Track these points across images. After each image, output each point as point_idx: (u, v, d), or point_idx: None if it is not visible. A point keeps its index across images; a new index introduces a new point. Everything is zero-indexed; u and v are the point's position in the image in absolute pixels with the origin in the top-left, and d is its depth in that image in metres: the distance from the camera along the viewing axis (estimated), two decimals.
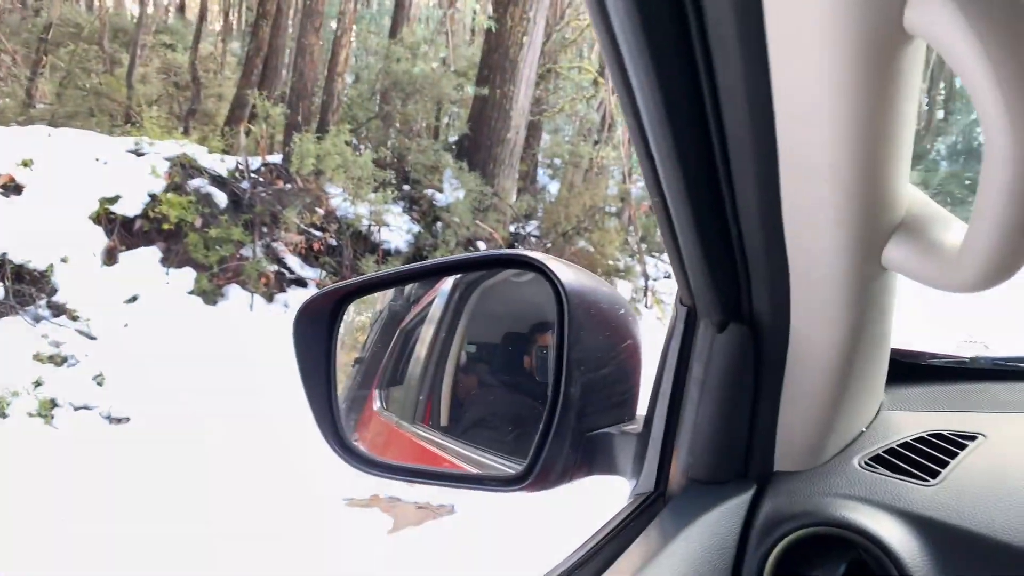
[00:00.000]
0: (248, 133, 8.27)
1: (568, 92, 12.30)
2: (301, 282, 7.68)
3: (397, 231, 8.41)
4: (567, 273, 0.83)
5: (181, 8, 17.51)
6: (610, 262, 9.97)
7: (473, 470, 1.07)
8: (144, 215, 7.10)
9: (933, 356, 1.00)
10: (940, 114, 33.59)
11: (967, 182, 24.61)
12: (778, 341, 0.67)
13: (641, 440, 0.80)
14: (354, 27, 10.88)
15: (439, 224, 8.52)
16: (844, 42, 0.44)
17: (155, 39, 12.87)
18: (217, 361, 5.93)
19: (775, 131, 0.51)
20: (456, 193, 8.71)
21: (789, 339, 0.67)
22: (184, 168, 7.43)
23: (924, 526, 0.62)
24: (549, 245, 9.41)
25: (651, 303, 9.94)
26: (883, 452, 0.72)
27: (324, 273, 7.75)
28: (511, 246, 8.96)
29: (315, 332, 0.99)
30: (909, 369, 0.97)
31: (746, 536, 0.65)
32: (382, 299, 1.47)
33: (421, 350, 1.35)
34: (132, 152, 7.52)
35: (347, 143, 8.02)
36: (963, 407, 0.86)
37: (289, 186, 7.82)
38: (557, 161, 12.43)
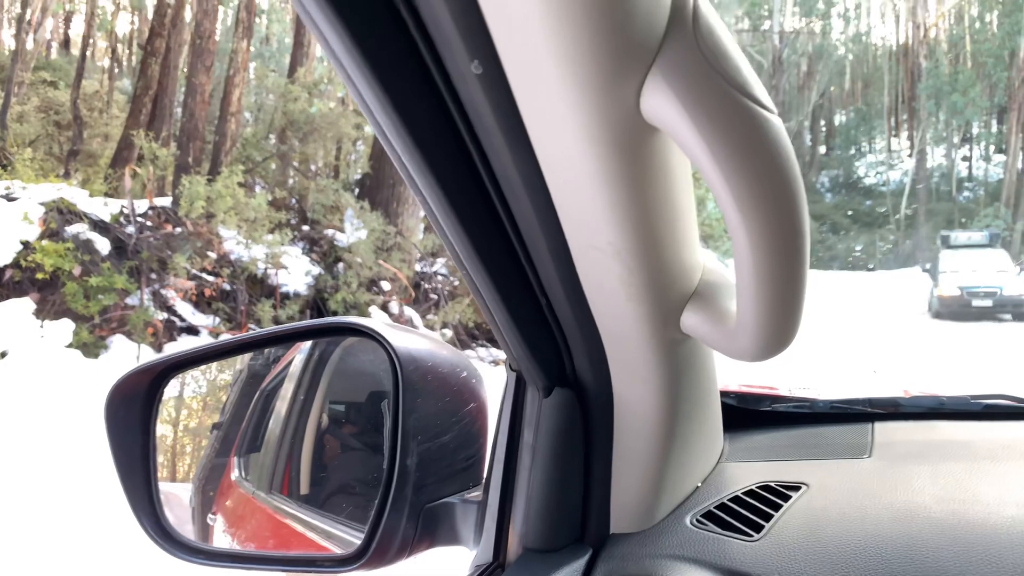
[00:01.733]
0: (135, 175, 7.91)
1: None
2: (193, 330, 7.33)
3: (296, 273, 8.19)
4: (400, 338, 0.80)
5: (65, 43, 16.70)
6: None
7: (327, 545, 1.01)
8: (15, 264, 6.62)
9: (776, 400, 1.02)
10: (822, 149, 36.06)
11: (849, 212, 26.39)
12: (604, 404, 0.67)
13: (481, 508, 0.78)
14: (250, 66, 10.65)
15: (340, 265, 8.36)
16: (587, 128, 0.45)
17: (34, 75, 12.20)
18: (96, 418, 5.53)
19: (555, 211, 0.52)
20: (358, 233, 8.58)
21: (614, 402, 0.67)
22: (61, 213, 7.00)
23: None
24: (457, 283, 9.39)
25: None
26: (714, 508, 0.72)
27: (218, 319, 7.43)
28: (416, 286, 8.87)
29: (130, 412, 0.92)
30: (751, 416, 0.99)
31: None
32: (242, 358, 1.39)
33: (280, 413, 1.29)
34: (2, 197, 7.03)
35: (240, 184, 7.78)
36: (796, 455, 0.88)
37: (179, 230, 7.50)
38: None
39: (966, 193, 28.50)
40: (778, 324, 0.53)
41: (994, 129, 31.27)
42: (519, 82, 0.44)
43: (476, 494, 0.81)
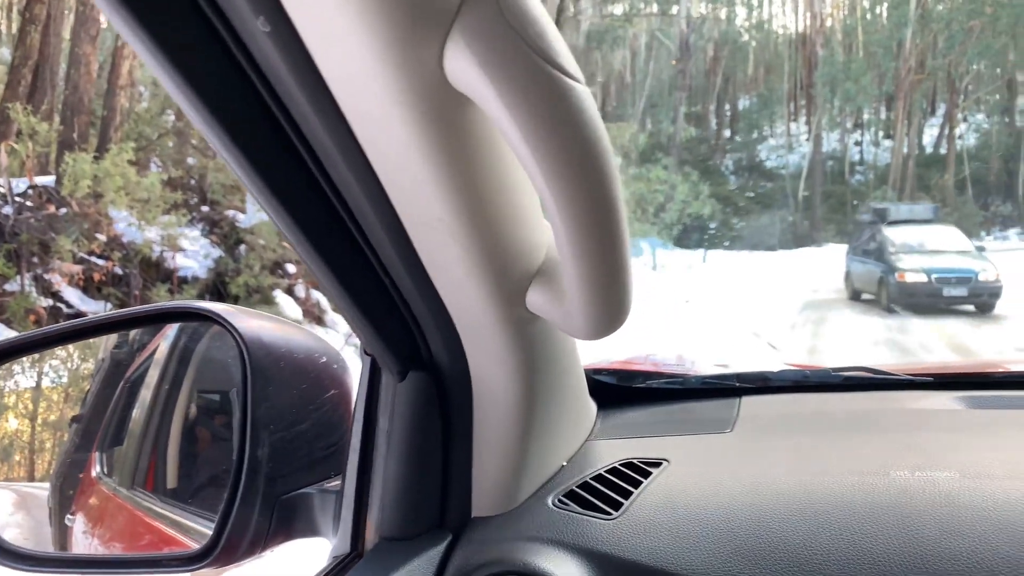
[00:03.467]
0: (12, 152, 7.34)
1: None
2: (82, 316, 6.90)
3: (194, 256, 7.84)
4: (248, 323, 0.76)
5: None
6: None
7: (188, 542, 0.96)
8: None
9: (649, 376, 1.04)
10: (727, 133, 37.34)
11: (751, 195, 27.50)
12: (461, 386, 0.66)
13: (339, 498, 0.75)
14: None
15: (242, 247, 8.05)
16: (392, 93, 0.42)
17: None
18: None
19: (381, 184, 0.50)
20: (260, 214, 8.28)
21: (472, 384, 0.66)
22: None
23: (602, 563, 0.62)
24: None
25: None
26: (576, 487, 0.72)
27: (109, 305, 7.03)
28: None
29: None
30: (626, 393, 1.00)
31: None
32: (104, 346, 1.31)
33: (145, 403, 1.21)
34: None
35: (132, 162, 7.35)
36: (663, 430, 0.89)
37: (63, 211, 7.02)
38: None
39: (858, 176, 30.19)
40: (603, 301, 0.52)
41: (883, 116, 33.19)
42: (313, 41, 0.41)
43: (336, 483, 0.78)
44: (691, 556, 0.61)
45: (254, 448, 0.73)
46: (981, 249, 13.27)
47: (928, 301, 11.37)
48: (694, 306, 11.58)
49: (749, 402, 0.96)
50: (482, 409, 0.66)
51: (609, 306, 0.53)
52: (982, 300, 11.40)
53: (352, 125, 0.46)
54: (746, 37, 37.64)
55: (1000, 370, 1.03)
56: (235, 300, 7.33)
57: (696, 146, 30.64)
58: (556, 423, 0.74)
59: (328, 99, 0.44)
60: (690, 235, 19.45)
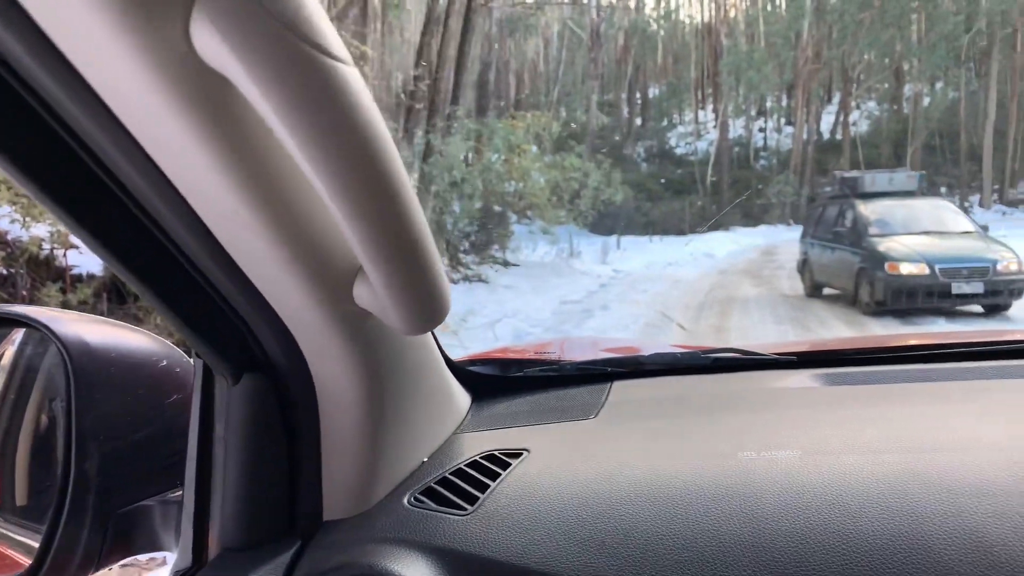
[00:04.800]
0: None
1: None
2: None
3: (90, 253, 7.40)
4: (71, 327, 0.71)
5: None
6: None
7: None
8: None
9: (525, 365, 1.04)
10: (638, 121, 38.08)
11: (662, 180, 28.20)
12: (303, 387, 0.63)
13: (180, 509, 0.71)
14: None
15: None
16: (142, 73, 0.39)
17: None
18: None
19: (173, 186, 0.47)
20: None
21: (314, 384, 0.63)
22: None
23: (454, 561, 0.61)
24: None
25: None
26: (435, 483, 0.71)
27: None
28: None
29: None
30: (500, 383, 0.99)
31: None
32: None
33: None
34: None
35: None
36: (530, 420, 0.88)
37: None
38: None
39: (762, 161, 31.43)
40: (409, 297, 0.51)
41: (784, 103, 34.62)
42: (41, 14, 0.38)
43: (179, 494, 0.74)
44: (541, 549, 0.60)
45: (80, 461, 0.69)
46: (986, 228, 9.59)
47: (931, 301, 8.06)
48: (609, 290, 11.80)
49: (620, 387, 0.97)
50: (328, 409, 0.64)
51: (417, 302, 0.51)
52: (1000, 300, 8.14)
53: (119, 117, 0.43)
54: (654, 27, 38.43)
55: (856, 346, 1.08)
56: (135, 299, 6.97)
57: (609, 134, 31.16)
58: (413, 419, 0.72)
59: (87, 90, 0.41)
60: (605, 221, 19.75)
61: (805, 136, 27.37)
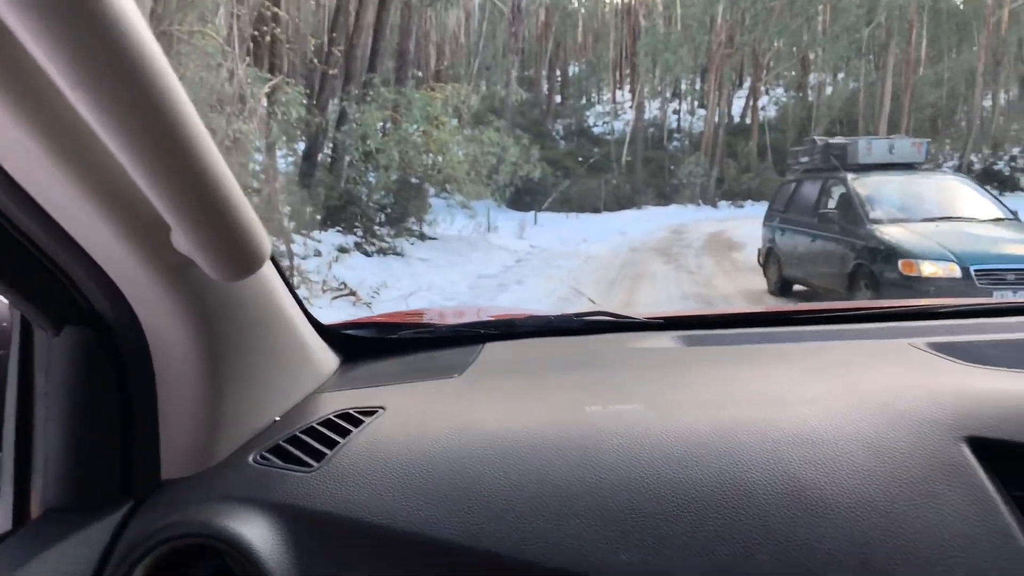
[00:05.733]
0: None
1: (192, 59, 11.26)
2: None
3: None
4: None
5: None
6: None
7: None
8: None
9: (403, 327, 1.05)
10: (558, 98, 38.21)
11: (580, 159, 28.47)
12: (135, 340, 0.60)
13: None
14: None
15: None
16: None
17: None
18: None
19: None
20: None
21: (146, 337, 0.60)
22: None
23: (295, 517, 0.60)
24: None
25: (298, 283, 9.70)
26: (283, 441, 0.70)
27: None
28: None
29: None
30: (378, 344, 1.00)
31: (107, 561, 0.57)
32: None
33: None
34: None
35: None
36: (394, 380, 0.88)
37: None
38: None
39: (675, 143, 32.21)
40: (213, 241, 0.49)
41: (698, 87, 35.51)
42: None
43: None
44: (384, 503, 0.60)
45: None
46: (1013, 219, 6.85)
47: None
48: (525, 265, 11.91)
49: (492, 348, 0.98)
50: (163, 364, 0.61)
51: (224, 248, 0.49)
52: None
53: None
54: (575, 4, 38.56)
55: (720, 313, 1.14)
56: None
57: (529, 110, 31.14)
58: (261, 376, 0.71)
59: None
60: (523, 197, 19.84)
61: (717, 119, 28.20)
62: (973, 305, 1.06)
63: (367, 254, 10.96)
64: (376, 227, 12.24)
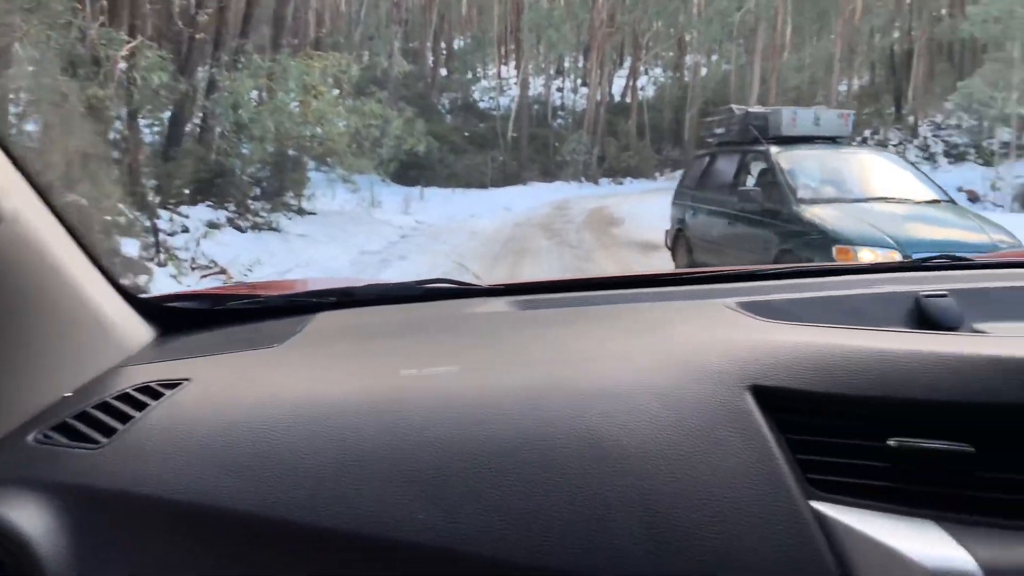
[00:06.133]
0: None
1: (37, 14, 10.25)
2: None
3: None
4: None
5: None
6: (109, 217, 8.80)
7: None
8: None
9: (233, 298, 1.00)
10: (443, 72, 37.78)
11: (466, 134, 28.37)
12: None
13: None
14: None
15: None
16: None
17: None
18: None
19: None
20: None
21: None
22: None
23: (79, 497, 0.57)
24: None
25: (164, 260, 9.13)
26: (71, 418, 0.66)
27: None
28: None
29: None
30: (203, 317, 0.95)
31: None
32: None
33: None
34: None
35: None
36: (211, 350, 0.84)
37: None
38: (26, 97, 10.34)
39: (559, 120, 32.66)
40: None
41: (580, 65, 36.10)
42: None
43: None
44: (181, 477, 0.58)
45: None
46: (951, 201, 6.16)
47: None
48: (410, 241, 11.77)
49: (324, 317, 0.95)
50: None
51: None
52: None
53: None
54: None
55: (557, 279, 1.15)
56: None
57: (413, 82, 30.60)
58: (45, 350, 0.67)
59: None
60: (408, 172, 19.56)
61: (599, 98, 28.81)
62: (788, 268, 1.12)
63: (241, 230, 10.48)
64: (251, 201, 11.70)
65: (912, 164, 7.14)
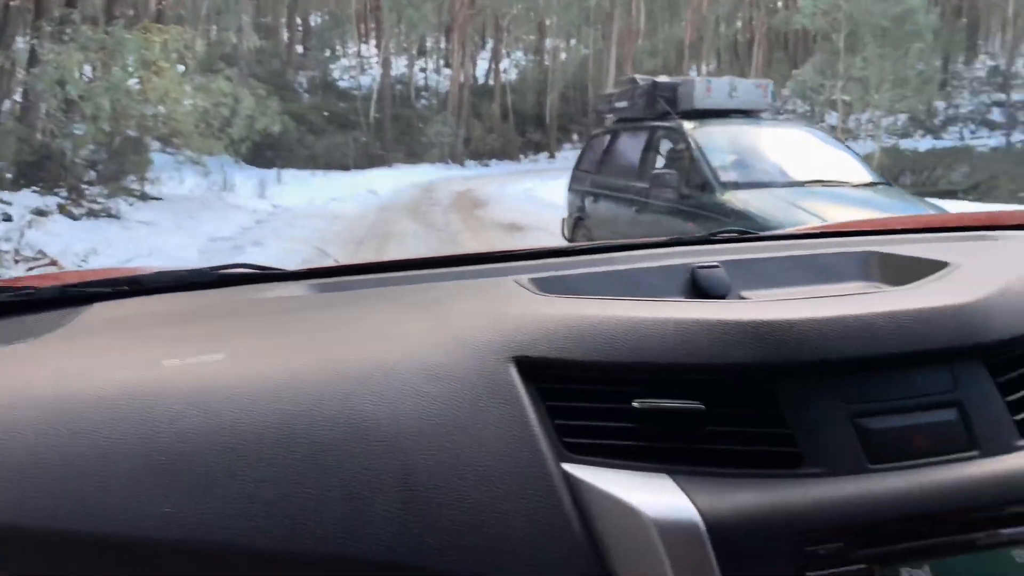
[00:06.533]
0: None
1: None
2: None
3: None
4: None
5: None
6: None
7: None
8: None
9: (7, 291, 0.90)
10: (300, 49, 36.33)
11: (326, 113, 27.46)
12: None
13: None
14: None
15: None
16: None
17: None
18: None
19: None
20: None
21: None
22: None
23: None
24: None
25: None
26: None
27: None
28: None
29: None
30: None
31: None
32: None
33: None
34: None
35: None
36: None
37: None
38: None
39: (423, 101, 32.31)
40: None
41: (443, 46, 35.84)
42: None
43: None
44: None
45: None
46: (887, 184, 5.56)
47: None
48: (266, 226, 11.25)
49: (100, 308, 0.88)
50: None
51: None
52: None
53: None
54: None
55: (361, 262, 1.12)
56: None
57: (267, 60, 29.18)
58: None
59: None
60: (264, 154, 18.69)
61: (462, 79, 28.74)
62: (587, 245, 1.15)
63: (73, 217, 9.57)
64: (85, 186, 10.72)
65: (843, 143, 6.43)
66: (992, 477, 0.65)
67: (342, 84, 32.91)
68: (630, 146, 6.27)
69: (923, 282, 0.83)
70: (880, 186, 5.32)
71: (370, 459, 0.59)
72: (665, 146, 5.85)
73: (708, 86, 6.19)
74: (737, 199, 4.76)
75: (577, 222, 6.83)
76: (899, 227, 1.23)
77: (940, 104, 27.10)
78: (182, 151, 13.70)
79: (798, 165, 5.28)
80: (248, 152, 16.41)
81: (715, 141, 5.40)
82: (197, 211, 11.76)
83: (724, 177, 5.02)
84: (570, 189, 7.17)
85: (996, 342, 0.72)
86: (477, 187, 17.49)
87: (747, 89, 6.30)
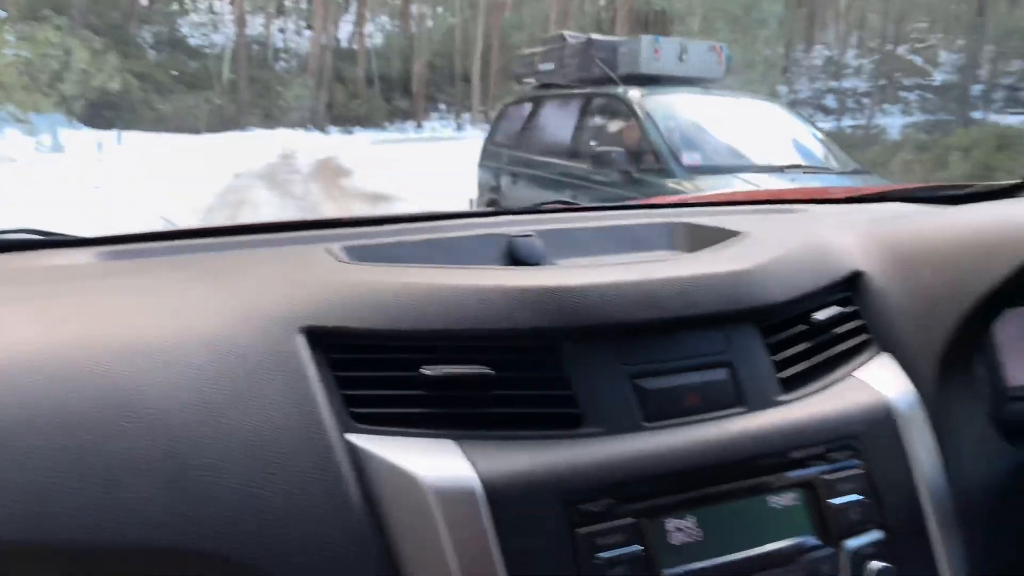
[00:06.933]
0: None
1: None
2: None
3: None
4: None
5: None
6: None
7: None
8: None
9: None
10: (144, 1, 33.47)
11: (175, 73, 25.54)
12: None
13: None
14: None
15: None
16: None
17: None
18: None
19: None
20: None
21: None
22: None
23: None
24: None
25: None
26: None
27: None
28: None
29: None
30: None
31: None
32: None
33: None
34: None
35: None
36: None
37: None
38: None
39: (282, 63, 30.76)
40: None
41: (304, 6, 34.19)
42: None
43: None
44: None
45: None
46: (867, 172, 4.64)
47: None
48: (104, 192, 10.35)
49: None
50: None
51: None
52: None
53: None
54: None
55: (163, 230, 1.04)
56: None
57: (106, 11, 26.66)
58: None
59: None
60: (102, 112, 17.14)
61: (324, 42, 27.60)
62: (406, 214, 1.12)
63: None
64: None
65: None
66: (754, 431, 0.70)
67: (193, 41, 30.66)
68: (560, 117, 5.26)
69: (711, 249, 0.87)
70: (862, 174, 4.53)
71: (135, 438, 0.56)
72: (605, 119, 4.88)
73: (656, 46, 5.04)
74: (705, 187, 3.87)
75: (491, 204, 5.75)
76: (720, 201, 1.28)
77: (782, 89, 29.13)
78: (3, 106, 12.33)
79: (770, 146, 4.45)
80: (83, 110, 15.02)
81: (670, 114, 4.44)
82: (17, 175, 10.62)
83: (687, 160, 4.13)
84: (481, 165, 6.10)
85: (767, 305, 0.76)
86: (340, 155, 16.91)
87: (698, 52, 5.23)
